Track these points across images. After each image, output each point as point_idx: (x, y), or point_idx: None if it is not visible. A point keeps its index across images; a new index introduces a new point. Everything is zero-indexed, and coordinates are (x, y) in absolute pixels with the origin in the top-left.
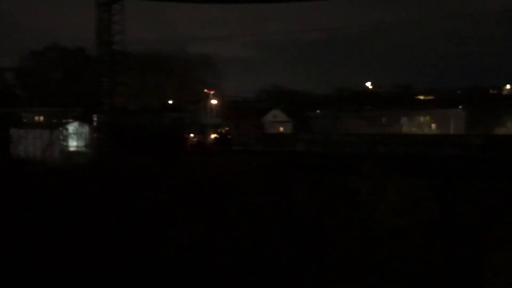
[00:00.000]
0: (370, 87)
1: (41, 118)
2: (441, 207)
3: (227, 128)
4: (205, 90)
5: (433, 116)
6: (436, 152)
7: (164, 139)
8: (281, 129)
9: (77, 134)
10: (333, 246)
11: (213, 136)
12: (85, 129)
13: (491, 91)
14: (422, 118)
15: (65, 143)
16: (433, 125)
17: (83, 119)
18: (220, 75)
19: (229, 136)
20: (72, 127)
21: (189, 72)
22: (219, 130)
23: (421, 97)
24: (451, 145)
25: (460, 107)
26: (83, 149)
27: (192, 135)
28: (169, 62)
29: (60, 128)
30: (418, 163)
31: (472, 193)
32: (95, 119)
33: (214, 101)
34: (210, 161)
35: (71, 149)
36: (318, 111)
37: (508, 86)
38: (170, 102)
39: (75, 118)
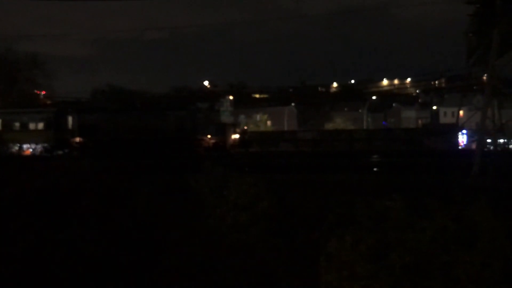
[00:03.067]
0: (208, 86)
1: None
2: (279, 200)
3: (245, 127)
4: (36, 91)
5: (268, 113)
6: (272, 148)
7: (168, 142)
8: None
9: None
10: (174, 247)
11: (234, 136)
12: None
13: (319, 89)
14: (258, 116)
15: None
16: (269, 122)
17: (56, 121)
18: (51, 74)
19: (246, 137)
20: None
21: (16, 72)
22: (238, 130)
23: (257, 95)
24: (285, 141)
25: (293, 104)
26: None
27: (209, 136)
28: None
29: None
30: (256, 159)
31: (306, 186)
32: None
33: (230, 97)
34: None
35: None
36: None
37: (335, 84)
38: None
39: (44, 121)
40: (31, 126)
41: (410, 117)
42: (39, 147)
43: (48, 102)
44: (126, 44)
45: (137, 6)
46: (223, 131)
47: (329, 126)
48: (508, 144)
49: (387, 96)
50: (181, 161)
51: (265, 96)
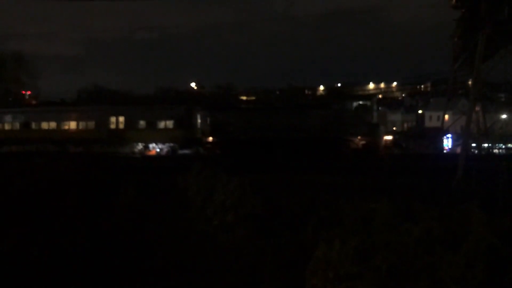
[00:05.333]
0: (195, 87)
1: None
2: (264, 202)
3: (394, 128)
4: (22, 91)
5: None
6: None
7: (310, 143)
8: None
9: None
10: (160, 246)
11: (386, 137)
12: None
13: (306, 91)
14: None
15: None
16: None
17: (186, 119)
18: (36, 74)
19: (397, 138)
20: None
21: (1, 70)
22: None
23: (244, 97)
24: None
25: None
26: None
27: (359, 137)
28: None
29: None
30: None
31: (292, 187)
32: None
33: (380, 96)
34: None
35: None
36: None
37: (322, 87)
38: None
39: (174, 118)
40: (160, 124)
41: (396, 120)
42: (165, 147)
43: (34, 101)
44: (114, 44)
45: (127, 5)
46: (375, 131)
47: None
48: (493, 148)
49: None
50: (324, 163)
51: (252, 98)
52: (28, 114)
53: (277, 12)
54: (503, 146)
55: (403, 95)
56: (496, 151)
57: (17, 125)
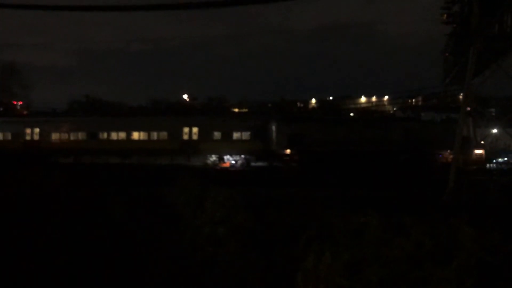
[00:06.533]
0: (187, 99)
1: None
2: (257, 214)
3: (482, 142)
4: (13, 102)
5: None
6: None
7: (394, 156)
8: None
9: None
10: (148, 259)
11: (477, 152)
12: None
13: (298, 104)
14: None
15: None
16: None
17: (264, 130)
18: (28, 84)
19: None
20: None
21: None
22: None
23: (236, 110)
24: None
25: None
26: None
27: (448, 151)
28: None
29: None
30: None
31: (285, 200)
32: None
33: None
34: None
35: None
36: None
37: (314, 100)
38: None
39: (251, 130)
40: (235, 135)
41: None
42: (240, 159)
43: (25, 112)
44: (106, 55)
45: (122, 17)
46: (465, 145)
47: None
48: None
49: (365, 113)
50: (411, 178)
51: (245, 110)
52: (95, 123)
53: (271, 26)
54: (494, 161)
55: (395, 108)
56: (487, 165)
57: (83, 135)
